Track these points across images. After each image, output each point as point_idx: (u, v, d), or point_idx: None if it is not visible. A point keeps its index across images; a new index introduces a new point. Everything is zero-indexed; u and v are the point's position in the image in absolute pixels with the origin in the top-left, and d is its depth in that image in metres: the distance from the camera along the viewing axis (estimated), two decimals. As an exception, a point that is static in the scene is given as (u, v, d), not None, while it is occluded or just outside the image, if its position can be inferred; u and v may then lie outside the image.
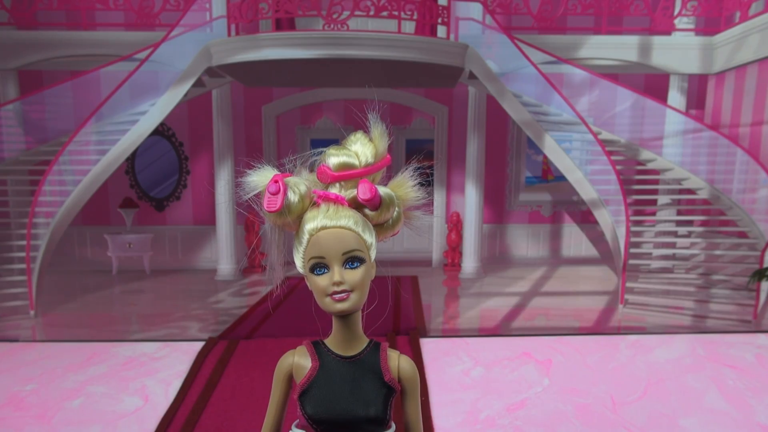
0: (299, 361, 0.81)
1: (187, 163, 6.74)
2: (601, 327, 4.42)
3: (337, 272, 0.71)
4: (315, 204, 0.73)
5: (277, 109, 6.80)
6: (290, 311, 4.20)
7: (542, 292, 5.61)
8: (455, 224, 6.54)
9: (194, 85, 5.24)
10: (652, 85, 6.37)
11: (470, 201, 6.11)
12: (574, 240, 7.23)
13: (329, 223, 0.71)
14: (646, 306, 4.89)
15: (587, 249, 7.23)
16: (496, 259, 7.10)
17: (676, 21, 6.02)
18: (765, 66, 5.27)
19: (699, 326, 4.42)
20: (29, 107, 5.81)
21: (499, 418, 2.65)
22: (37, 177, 5.22)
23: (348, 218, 0.71)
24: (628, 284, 5.04)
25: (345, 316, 0.77)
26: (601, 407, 2.77)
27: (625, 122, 5.94)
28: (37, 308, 4.66)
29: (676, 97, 6.19)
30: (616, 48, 6.03)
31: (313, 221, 0.70)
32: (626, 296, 4.92)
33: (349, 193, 0.73)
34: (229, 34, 4.98)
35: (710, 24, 6.11)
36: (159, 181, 6.78)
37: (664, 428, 2.57)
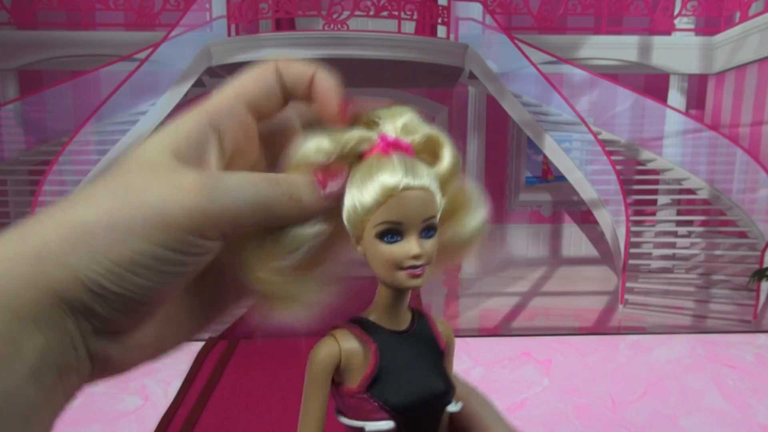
0: (349, 347, 0.68)
1: (187, 163, 6.74)
2: (601, 327, 4.42)
3: (415, 243, 0.61)
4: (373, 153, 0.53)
5: (277, 109, 6.80)
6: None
7: (542, 292, 5.61)
8: (455, 224, 6.53)
9: (194, 85, 5.24)
10: (652, 85, 6.37)
11: (470, 201, 6.11)
12: (574, 240, 7.23)
13: (412, 182, 0.56)
14: (646, 306, 4.89)
15: (587, 249, 7.23)
16: (496, 259, 7.11)
17: (676, 21, 6.02)
18: (765, 66, 5.27)
19: (699, 326, 4.42)
20: (29, 107, 5.81)
21: (499, 418, 2.65)
22: (37, 177, 5.22)
23: (428, 176, 0.56)
24: (628, 284, 5.04)
25: (402, 290, 0.67)
26: (601, 407, 2.77)
27: (625, 122, 5.94)
28: (37, 308, 4.66)
29: (676, 97, 6.19)
30: (616, 48, 6.03)
31: (393, 176, 0.54)
32: (626, 296, 4.92)
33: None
34: (229, 34, 4.99)
35: (710, 24, 6.11)
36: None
37: (664, 428, 2.57)
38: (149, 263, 0.21)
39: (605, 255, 6.41)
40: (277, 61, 0.32)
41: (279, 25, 4.98)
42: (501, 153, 7.08)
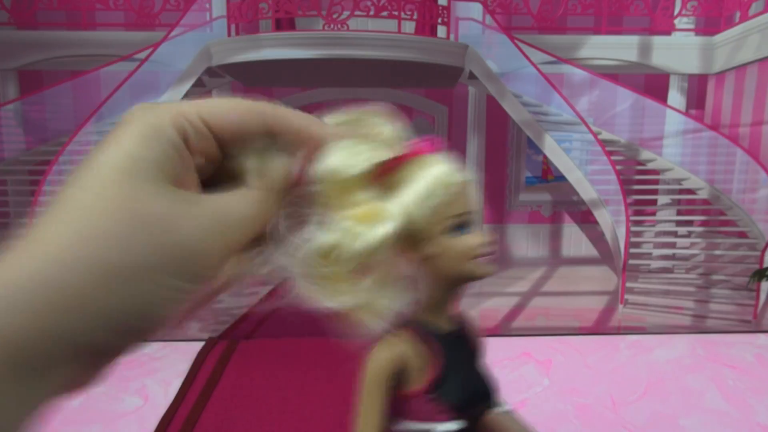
0: (409, 350, 0.65)
1: (187, 163, 6.74)
2: (601, 327, 4.42)
3: (480, 231, 0.61)
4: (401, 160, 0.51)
5: (277, 109, 6.80)
6: (290, 311, 4.19)
7: (542, 292, 5.61)
8: (455, 224, 6.54)
9: (194, 85, 5.24)
10: (652, 85, 6.37)
11: (470, 201, 6.11)
12: (574, 240, 7.23)
13: (464, 176, 0.57)
14: (646, 306, 4.89)
15: (587, 249, 7.23)
16: (496, 259, 7.10)
17: (676, 21, 6.02)
18: (765, 66, 5.27)
19: (699, 326, 4.42)
20: (29, 107, 5.81)
21: (499, 418, 2.65)
22: (37, 177, 5.22)
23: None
24: (628, 284, 5.04)
25: (458, 288, 0.65)
26: (601, 407, 2.77)
27: (625, 122, 5.94)
28: (37, 308, 4.66)
29: (676, 97, 6.19)
30: (616, 48, 6.03)
31: (452, 173, 0.55)
32: (626, 296, 4.92)
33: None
34: (229, 34, 4.98)
35: (710, 24, 6.10)
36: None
37: (664, 428, 2.57)
38: (175, 296, 0.21)
39: (605, 255, 6.41)
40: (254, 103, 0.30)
41: (279, 25, 4.98)
42: (501, 153, 7.08)
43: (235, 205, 0.25)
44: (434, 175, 0.52)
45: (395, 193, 0.47)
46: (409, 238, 0.57)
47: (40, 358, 0.19)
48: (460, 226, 0.59)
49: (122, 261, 0.20)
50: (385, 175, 0.43)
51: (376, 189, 0.37)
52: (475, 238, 0.61)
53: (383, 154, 0.38)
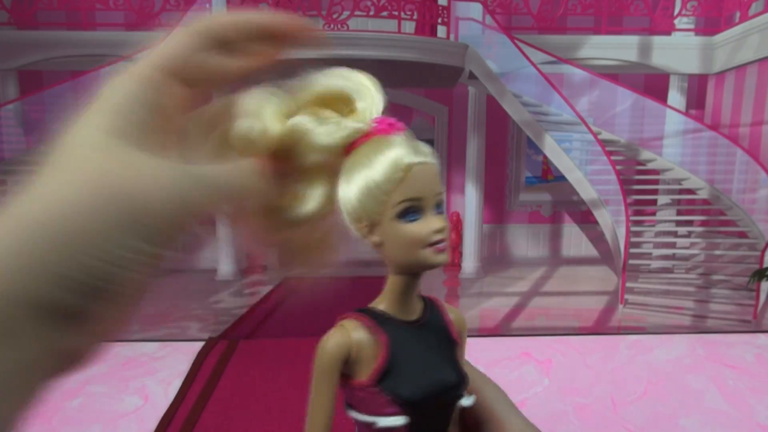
0: (359, 338, 0.64)
1: (187, 163, 6.75)
2: (601, 327, 4.42)
3: (435, 218, 0.59)
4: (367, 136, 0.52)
5: (277, 109, 6.80)
6: (290, 311, 4.20)
7: (542, 292, 5.61)
8: (455, 224, 6.54)
9: (194, 85, 5.24)
10: (652, 85, 6.37)
11: (470, 201, 6.12)
12: (574, 240, 7.24)
13: (423, 158, 0.55)
14: (646, 306, 4.89)
15: (587, 249, 7.23)
16: (496, 259, 7.11)
17: (676, 21, 6.02)
18: (765, 66, 5.27)
19: (699, 326, 4.42)
20: (29, 107, 5.82)
21: (499, 418, 2.65)
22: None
23: (430, 152, 0.57)
24: (628, 284, 5.04)
25: (416, 275, 0.64)
26: (601, 407, 2.77)
27: (625, 122, 5.94)
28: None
29: (676, 97, 6.19)
30: (616, 48, 6.03)
31: (406, 154, 0.53)
32: (626, 296, 4.92)
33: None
34: (229, 34, 4.99)
35: (710, 24, 6.11)
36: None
37: (664, 428, 2.57)
38: (131, 256, 0.21)
39: (605, 255, 6.41)
40: (196, 23, 0.30)
41: (279, 25, 4.98)
42: (501, 153, 7.09)
43: (207, 171, 0.26)
44: (388, 156, 0.53)
45: (348, 172, 0.50)
46: (362, 221, 0.57)
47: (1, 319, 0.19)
48: (412, 211, 0.57)
49: (76, 223, 0.21)
50: (346, 153, 0.46)
51: (332, 165, 0.42)
52: (426, 225, 0.58)
53: (348, 130, 0.42)
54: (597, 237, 6.79)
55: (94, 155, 0.23)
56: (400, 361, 0.63)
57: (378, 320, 0.64)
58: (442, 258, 0.59)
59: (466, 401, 0.63)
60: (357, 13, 4.73)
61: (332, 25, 4.70)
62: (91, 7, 5.95)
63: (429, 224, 0.56)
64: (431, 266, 0.61)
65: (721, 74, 6.04)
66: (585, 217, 6.93)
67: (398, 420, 0.63)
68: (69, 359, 0.22)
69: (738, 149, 5.34)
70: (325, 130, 0.43)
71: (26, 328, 0.20)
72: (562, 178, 5.68)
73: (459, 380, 0.64)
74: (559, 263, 6.99)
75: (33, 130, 5.80)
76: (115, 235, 0.21)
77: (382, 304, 0.65)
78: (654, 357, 3.47)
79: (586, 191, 5.25)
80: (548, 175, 7.06)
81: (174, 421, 2.59)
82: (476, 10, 5.57)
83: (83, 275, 0.20)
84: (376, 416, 0.63)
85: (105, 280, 0.21)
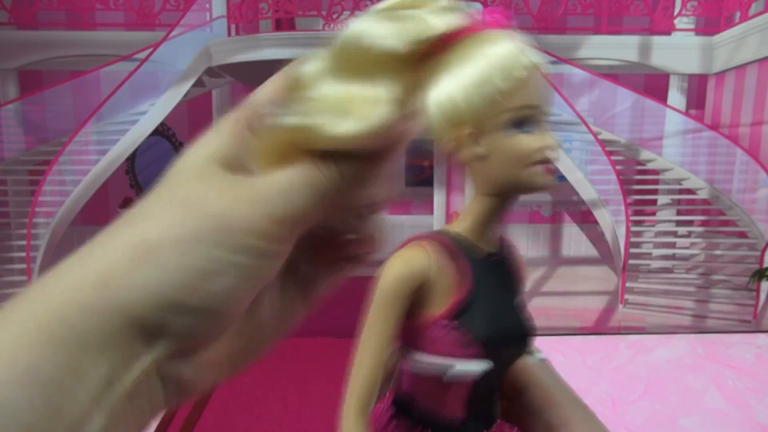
0: (434, 267, 0.51)
1: (187, 163, 6.75)
2: (601, 327, 4.42)
3: (548, 134, 0.49)
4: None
5: (277, 109, 6.82)
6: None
7: (542, 292, 5.61)
8: (455, 224, 6.54)
9: (194, 85, 5.24)
10: (652, 85, 6.37)
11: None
12: (574, 240, 7.24)
13: (539, 61, 0.44)
14: (646, 306, 4.89)
15: (587, 249, 7.23)
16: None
17: (676, 21, 6.02)
18: (765, 66, 5.27)
19: (699, 326, 4.42)
20: (29, 107, 5.81)
21: (499, 418, 2.65)
22: (37, 177, 5.22)
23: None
24: (628, 284, 5.04)
25: (509, 199, 0.53)
26: (601, 407, 2.77)
27: (625, 122, 5.94)
28: (37, 308, 4.66)
29: (676, 97, 6.19)
30: (616, 48, 6.03)
31: (524, 54, 0.41)
32: (626, 296, 4.92)
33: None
34: (229, 34, 4.98)
35: (710, 24, 6.11)
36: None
37: (664, 428, 2.57)
38: (222, 269, 0.21)
39: (605, 255, 6.41)
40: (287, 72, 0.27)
41: (279, 25, 4.98)
42: (501, 153, 7.08)
43: (281, 177, 0.25)
44: (495, 55, 0.41)
45: (449, 67, 0.32)
46: (465, 126, 0.45)
47: (97, 335, 0.19)
48: (521, 122, 0.47)
49: (158, 236, 0.21)
50: (429, 57, 0.26)
51: (410, 75, 0.24)
52: (537, 140, 0.49)
53: (433, 27, 0.24)
54: (597, 237, 6.79)
55: (190, 181, 0.23)
56: (480, 296, 0.54)
57: (456, 247, 0.54)
58: (550, 179, 0.52)
59: (535, 358, 0.53)
60: (357, 13, 4.73)
61: (332, 25, 4.70)
62: (91, 7, 5.94)
63: (543, 138, 0.49)
64: (536, 188, 0.53)
65: (721, 74, 6.04)
66: (585, 217, 6.93)
67: (478, 365, 0.52)
68: (177, 389, 0.22)
69: (738, 149, 5.34)
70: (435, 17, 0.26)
71: (120, 342, 0.20)
72: (562, 178, 5.68)
73: (530, 329, 0.56)
74: (559, 263, 6.99)
75: (33, 130, 5.80)
76: (186, 245, 0.21)
77: (460, 227, 0.55)
78: (654, 357, 3.47)
79: (586, 191, 5.25)
80: (548, 175, 7.05)
81: (174, 422, 2.59)
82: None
83: (161, 287, 0.20)
84: (449, 358, 0.52)
85: (185, 293, 0.21)
